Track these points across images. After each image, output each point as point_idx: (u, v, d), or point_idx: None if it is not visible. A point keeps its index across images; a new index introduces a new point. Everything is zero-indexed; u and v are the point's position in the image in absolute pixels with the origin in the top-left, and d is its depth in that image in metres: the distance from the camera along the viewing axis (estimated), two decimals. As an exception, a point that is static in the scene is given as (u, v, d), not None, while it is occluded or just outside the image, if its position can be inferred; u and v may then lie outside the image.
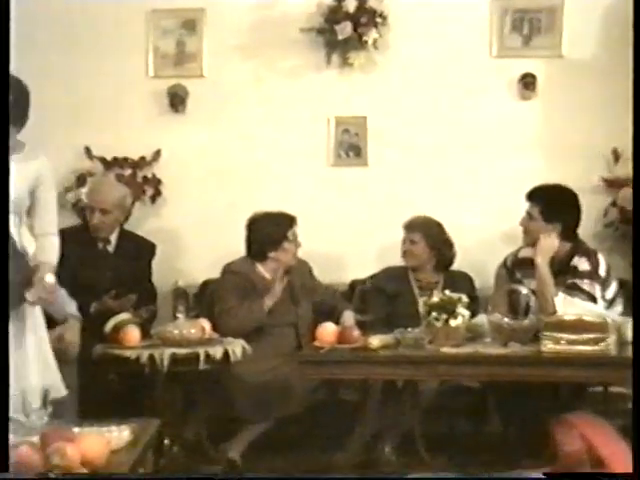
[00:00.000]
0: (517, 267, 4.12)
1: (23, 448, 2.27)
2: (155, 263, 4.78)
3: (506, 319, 3.67)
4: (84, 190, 4.82)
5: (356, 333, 3.79)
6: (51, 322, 3.71)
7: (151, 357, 3.66)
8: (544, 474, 2.23)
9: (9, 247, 2.63)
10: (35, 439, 2.42)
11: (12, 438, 2.51)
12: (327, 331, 3.81)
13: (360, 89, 5.00)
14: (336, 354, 3.71)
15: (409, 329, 3.80)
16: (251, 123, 5.05)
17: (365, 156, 5.04)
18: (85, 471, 2.33)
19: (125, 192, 4.67)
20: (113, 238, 4.61)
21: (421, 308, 3.83)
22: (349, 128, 5.06)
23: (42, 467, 2.26)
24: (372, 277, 4.65)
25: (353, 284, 4.79)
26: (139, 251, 4.68)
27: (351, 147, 5.05)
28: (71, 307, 4.18)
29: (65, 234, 4.53)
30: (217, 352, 3.74)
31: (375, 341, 3.70)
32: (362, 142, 5.04)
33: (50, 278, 3.26)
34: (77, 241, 4.53)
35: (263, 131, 5.05)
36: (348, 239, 4.97)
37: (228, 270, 4.37)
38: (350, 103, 5.03)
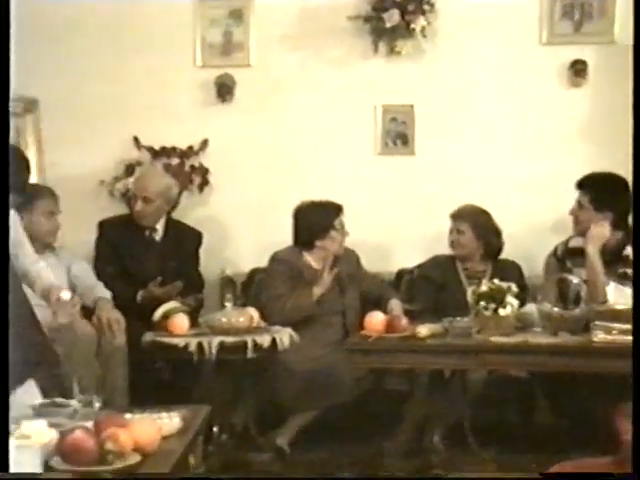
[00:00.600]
0: (567, 256, 4.08)
1: (78, 432, 2.31)
2: (202, 252, 4.81)
3: (556, 308, 3.64)
4: (131, 179, 4.87)
5: (404, 322, 3.79)
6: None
7: (199, 345, 3.69)
8: (541, 474, 2.21)
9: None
10: (89, 424, 2.46)
11: (67, 422, 2.57)
12: (375, 320, 3.82)
13: (407, 77, 4.98)
14: (384, 343, 3.71)
15: (457, 318, 3.79)
16: (298, 112, 5.05)
17: (412, 145, 5.01)
18: (138, 457, 2.36)
19: (170, 182, 4.70)
20: (160, 227, 4.65)
21: (469, 297, 3.80)
22: (396, 116, 5.04)
23: (96, 452, 2.29)
24: (419, 266, 4.63)
25: (400, 273, 4.78)
26: (186, 239, 4.71)
27: (398, 135, 5.03)
28: (98, 290, 4.25)
29: (113, 223, 4.64)
30: (265, 340, 3.76)
31: (423, 330, 3.70)
32: (409, 130, 5.01)
33: (66, 295, 3.29)
34: (124, 230, 4.60)
35: (310, 120, 5.04)
36: (395, 228, 4.95)
37: (276, 259, 4.38)
38: (397, 91, 5.00)
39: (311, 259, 4.39)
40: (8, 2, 2.60)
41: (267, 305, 4.20)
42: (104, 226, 4.64)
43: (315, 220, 4.38)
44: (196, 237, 4.76)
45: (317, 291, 4.24)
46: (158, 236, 4.66)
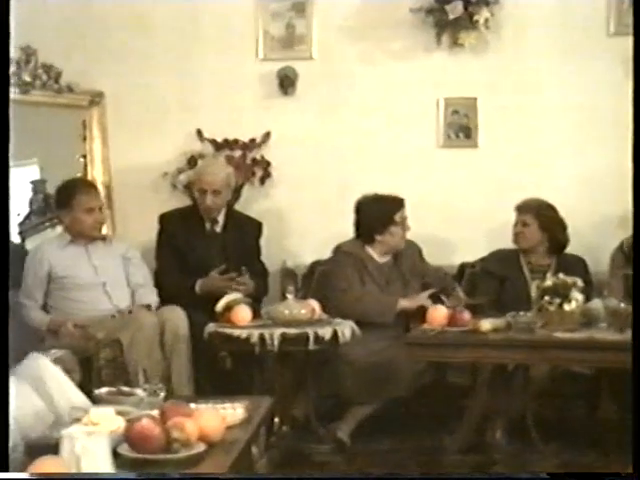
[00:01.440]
0: (635, 251, 4.00)
1: (145, 421, 2.33)
2: (263, 244, 4.84)
3: (623, 304, 3.57)
4: (193, 172, 4.89)
5: (467, 316, 3.76)
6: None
7: (262, 337, 3.70)
8: (548, 474, 2.16)
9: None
10: (155, 413, 2.49)
11: (133, 411, 2.60)
12: (437, 313, 3.79)
13: (470, 70, 4.93)
14: (446, 337, 3.69)
15: (520, 313, 3.74)
16: (360, 105, 5.04)
17: (475, 137, 4.97)
18: (203, 446, 2.38)
19: (230, 171, 4.72)
20: (220, 218, 4.67)
21: (533, 292, 3.75)
22: (459, 109, 5.00)
23: (163, 440, 2.31)
24: (482, 260, 4.59)
25: (462, 267, 4.74)
26: (246, 230, 4.73)
27: (461, 128, 4.99)
28: (143, 293, 4.32)
29: (173, 215, 4.68)
30: (326, 333, 3.75)
31: (486, 324, 3.66)
32: (472, 123, 4.97)
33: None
34: (185, 222, 4.63)
35: (372, 113, 5.03)
36: (458, 221, 4.92)
37: (340, 251, 4.38)
38: (460, 84, 4.96)
39: (373, 252, 4.38)
40: (8, 3, 2.62)
41: (334, 297, 4.20)
42: (165, 219, 4.67)
43: (375, 215, 4.37)
44: (256, 227, 4.77)
45: (403, 303, 4.24)
46: (219, 228, 4.68)
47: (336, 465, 3.83)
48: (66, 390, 3.01)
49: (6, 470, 2.01)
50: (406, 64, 4.99)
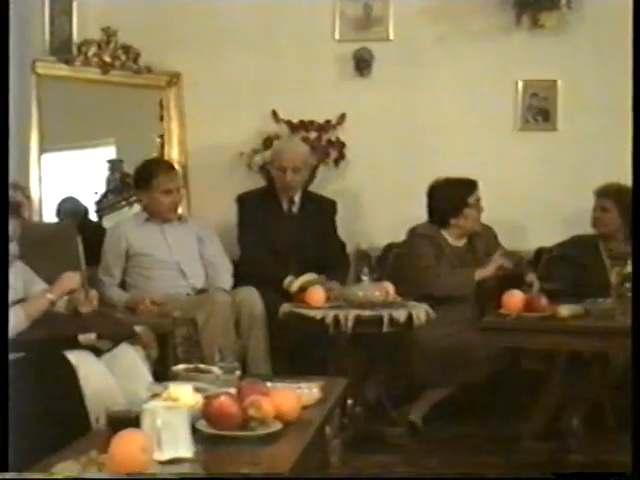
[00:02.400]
0: None
1: (223, 398, 2.35)
2: (338, 225, 4.83)
3: None
4: (271, 152, 4.89)
5: (544, 302, 3.69)
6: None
7: (336, 318, 3.70)
8: (553, 474, 2.11)
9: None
10: (232, 391, 2.51)
11: (209, 388, 2.62)
12: (514, 298, 3.74)
13: (551, 51, 4.84)
14: (523, 322, 3.63)
15: (599, 299, 3.67)
16: (436, 86, 4.99)
17: (554, 120, 4.88)
18: (279, 425, 2.39)
19: (308, 149, 4.74)
20: (297, 198, 4.68)
21: (613, 278, 3.68)
22: (537, 92, 4.91)
23: (240, 418, 2.33)
24: (560, 245, 4.51)
25: (539, 252, 4.67)
26: (322, 209, 4.74)
27: (540, 111, 4.91)
28: (220, 279, 4.35)
29: (251, 196, 4.70)
30: (401, 315, 3.73)
31: (564, 310, 3.60)
32: (551, 106, 4.88)
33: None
34: (263, 203, 4.65)
35: (448, 94, 4.97)
36: (534, 205, 4.85)
37: (416, 233, 4.35)
38: (539, 66, 4.87)
39: (448, 236, 4.34)
40: (8, 3, 2.64)
41: (412, 276, 4.17)
42: (244, 199, 4.69)
43: (449, 199, 4.32)
44: (331, 206, 4.77)
45: (482, 273, 4.19)
46: (296, 208, 4.69)
47: (408, 448, 3.82)
48: (141, 371, 3.09)
49: (6, 470, 2.04)
50: (484, 45, 4.92)
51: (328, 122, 5.03)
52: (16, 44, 4.16)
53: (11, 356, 2.87)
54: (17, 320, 2.99)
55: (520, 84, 4.90)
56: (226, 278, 4.40)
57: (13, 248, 3.15)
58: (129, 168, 5.13)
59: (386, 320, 3.69)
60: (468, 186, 4.33)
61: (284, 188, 4.60)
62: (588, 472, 2.01)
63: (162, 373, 3.21)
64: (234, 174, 5.09)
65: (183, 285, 4.32)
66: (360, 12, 5.03)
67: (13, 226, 3.14)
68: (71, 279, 3.21)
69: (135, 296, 4.20)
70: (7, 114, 2.53)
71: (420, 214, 4.47)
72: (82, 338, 3.01)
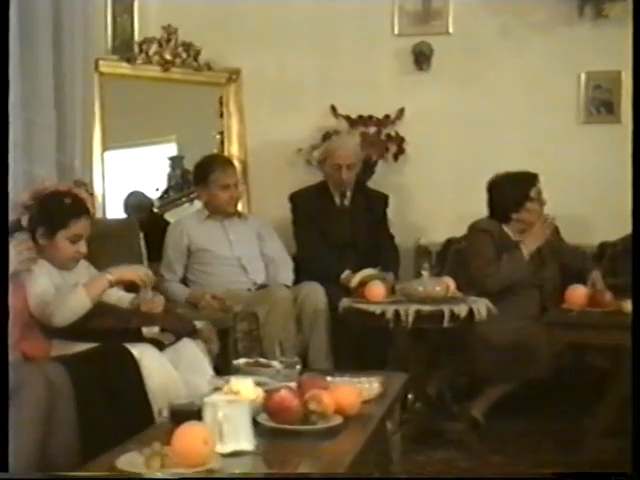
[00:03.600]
0: None
1: (284, 392, 2.36)
2: (396, 221, 4.81)
3: None
4: (325, 147, 4.88)
5: (608, 297, 3.63)
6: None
7: (396, 313, 3.67)
8: (553, 474, 2.05)
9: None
10: (293, 385, 2.51)
11: (270, 382, 2.63)
12: (577, 294, 3.69)
13: (615, 42, 4.72)
14: (587, 318, 3.58)
15: (667, 294, 3.58)
16: (497, 80, 4.94)
17: (618, 113, 4.79)
18: (340, 419, 2.39)
19: (358, 142, 4.74)
20: (349, 193, 4.68)
21: (680, 272, 3.58)
22: (601, 84, 4.83)
23: (301, 412, 2.33)
24: (624, 239, 4.42)
25: (602, 246, 4.59)
26: (374, 203, 4.74)
27: (603, 103, 4.82)
28: (282, 273, 4.37)
29: (304, 193, 4.71)
30: (462, 310, 3.69)
31: (629, 306, 3.52)
32: (615, 98, 4.79)
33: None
34: (317, 198, 4.66)
35: (509, 88, 4.92)
36: (597, 199, 4.77)
37: (476, 228, 4.30)
38: (603, 57, 4.78)
39: (509, 231, 4.29)
40: (8, 4, 2.65)
41: (477, 273, 4.12)
42: (296, 197, 4.71)
43: (509, 193, 4.26)
44: (383, 200, 4.77)
45: (529, 247, 4.12)
46: (348, 201, 4.69)
47: (470, 444, 3.78)
48: (202, 365, 3.12)
49: (6, 470, 2.05)
50: (546, 37, 4.85)
51: (387, 117, 5.02)
52: (80, 44, 4.24)
53: (76, 348, 2.93)
54: (80, 299, 3.06)
55: (583, 76, 4.83)
56: (287, 274, 4.42)
57: (82, 246, 3.20)
58: (190, 165, 5.17)
59: (447, 315, 3.65)
60: (529, 179, 4.27)
61: (338, 184, 4.61)
62: (588, 472, 1.97)
63: (223, 367, 3.24)
64: (293, 170, 5.11)
65: (244, 280, 4.34)
66: (419, 6, 5.00)
67: (83, 225, 3.19)
68: (133, 268, 3.26)
69: (196, 291, 4.24)
70: (7, 114, 2.56)
71: (480, 209, 4.42)
72: (145, 331, 3.05)
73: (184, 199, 5.27)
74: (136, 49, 4.87)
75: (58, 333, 3.04)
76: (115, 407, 2.72)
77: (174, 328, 3.17)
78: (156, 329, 3.07)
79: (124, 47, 4.87)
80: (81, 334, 3.01)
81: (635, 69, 2.96)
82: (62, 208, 3.18)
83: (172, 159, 5.33)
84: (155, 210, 5.16)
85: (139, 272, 3.24)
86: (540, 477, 3.19)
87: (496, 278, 4.07)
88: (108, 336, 2.97)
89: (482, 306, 3.75)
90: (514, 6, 4.86)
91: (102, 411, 2.68)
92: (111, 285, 3.17)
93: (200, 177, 4.44)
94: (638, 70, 2.90)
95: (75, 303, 3.05)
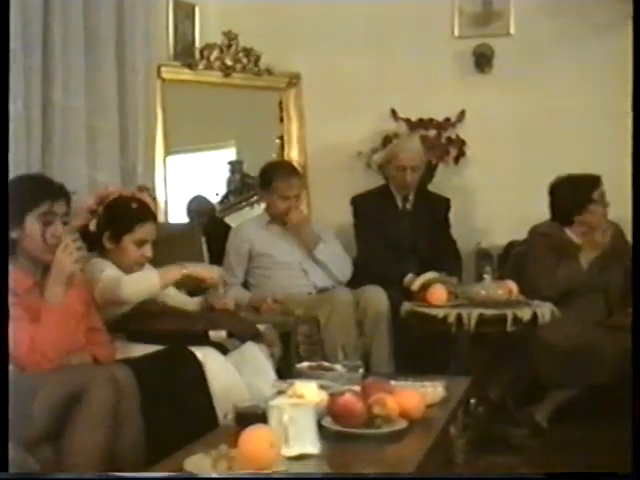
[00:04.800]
0: None
1: (348, 395, 2.36)
2: (457, 224, 4.78)
3: None
4: (387, 150, 4.86)
5: (676, 300, 3.55)
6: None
7: (459, 317, 3.65)
8: (545, 474, 1.99)
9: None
10: (356, 389, 2.51)
11: (333, 386, 2.63)
12: (644, 297, 3.60)
13: (680, 41, 4.65)
14: (654, 322, 3.50)
15: None
16: (559, 82, 4.87)
17: (683, 114, 4.68)
18: (404, 423, 2.38)
19: (422, 147, 4.72)
20: (411, 196, 4.66)
21: None
22: (666, 85, 4.72)
23: (365, 416, 2.33)
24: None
25: (670, 249, 4.49)
26: (435, 206, 4.72)
27: (667, 106, 4.72)
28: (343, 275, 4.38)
29: (365, 197, 4.70)
30: (525, 314, 3.66)
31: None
32: (679, 100, 4.69)
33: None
34: (378, 202, 4.65)
35: (571, 90, 4.85)
36: (663, 200, 4.66)
37: (537, 232, 4.26)
38: (669, 57, 4.68)
39: (572, 234, 4.23)
40: (8, 4, 2.67)
41: (535, 277, 4.08)
42: (357, 201, 4.71)
43: (572, 196, 4.21)
44: (444, 203, 4.75)
45: (588, 256, 4.08)
46: (410, 204, 4.67)
47: (533, 450, 3.73)
48: (265, 368, 3.13)
49: (6, 470, 2.06)
50: (609, 38, 4.75)
51: (447, 120, 4.99)
52: (142, 50, 4.30)
53: (141, 350, 2.96)
54: (151, 279, 3.13)
55: (643, 78, 4.73)
56: (344, 270, 4.44)
57: (148, 250, 3.24)
58: (249, 169, 5.21)
59: (510, 319, 3.63)
60: (591, 182, 4.21)
61: (402, 187, 4.59)
62: (588, 472, 1.94)
63: (285, 371, 3.25)
64: (353, 174, 5.09)
65: (304, 284, 4.35)
66: (479, 7, 4.97)
67: (148, 229, 3.24)
68: (207, 267, 3.29)
69: (257, 295, 4.26)
70: (7, 114, 2.59)
71: (542, 211, 4.37)
72: (213, 335, 3.07)
73: (244, 203, 5.30)
74: (197, 55, 4.91)
75: (125, 334, 3.08)
76: (179, 409, 2.74)
77: (240, 331, 3.19)
78: (223, 334, 3.08)
79: (185, 53, 4.92)
80: (147, 336, 3.04)
81: (635, 69, 2.92)
82: (128, 213, 3.23)
83: (232, 164, 5.36)
84: (216, 214, 5.20)
85: (212, 271, 3.27)
86: (540, 477, 3.15)
87: (551, 285, 4.03)
88: (173, 339, 3.00)
89: (546, 310, 3.72)
90: (576, 7, 4.78)
91: (167, 413, 2.71)
92: (183, 278, 3.17)
93: (264, 182, 4.46)
94: (638, 70, 2.86)
95: (145, 281, 3.12)
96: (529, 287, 3.95)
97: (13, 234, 2.75)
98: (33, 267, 2.84)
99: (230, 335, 3.11)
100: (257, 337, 3.27)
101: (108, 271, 3.11)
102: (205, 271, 3.26)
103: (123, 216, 3.24)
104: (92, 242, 3.15)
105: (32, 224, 2.79)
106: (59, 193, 2.87)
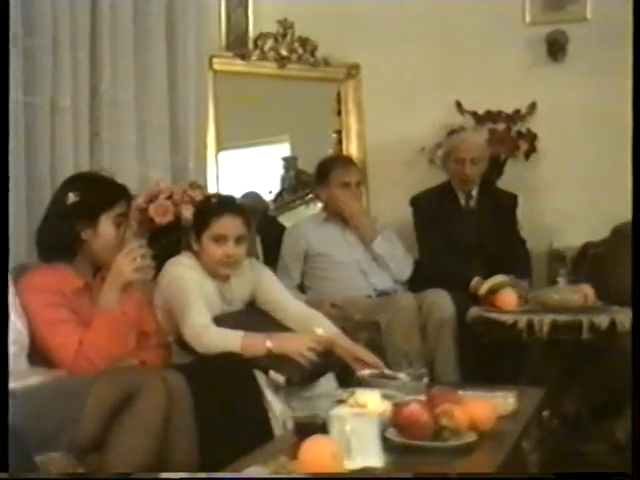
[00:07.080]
0: None
1: (414, 406, 2.35)
2: (528, 223, 4.73)
3: None
4: (446, 142, 4.83)
5: None
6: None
7: (530, 323, 3.61)
8: (554, 474, 2.15)
9: None
10: (422, 399, 2.50)
11: (396, 395, 2.62)
12: None
13: None
14: None
15: None
16: (638, 70, 4.78)
17: None
18: (474, 435, 2.36)
19: (484, 141, 4.71)
20: (474, 192, 4.62)
21: None
22: None
23: (431, 427, 2.32)
24: None
25: None
26: (501, 203, 4.66)
27: None
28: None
29: (425, 196, 4.68)
30: (602, 321, 3.60)
31: None
32: None
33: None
34: (439, 200, 4.62)
35: (653, 78, 4.77)
36: None
37: (618, 233, 4.19)
38: None
39: (658, 236, 4.16)
40: (7, 4, 2.68)
41: (614, 282, 4.02)
42: (417, 200, 4.67)
43: None
44: (511, 200, 4.69)
45: None
46: (473, 202, 4.63)
47: (614, 467, 3.67)
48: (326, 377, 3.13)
49: (6, 470, 2.07)
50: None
51: (517, 112, 4.96)
52: (193, 41, 4.33)
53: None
54: (232, 341, 3.04)
55: None
56: (406, 272, 4.44)
57: (230, 248, 3.24)
58: (304, 166, 5.21)
59: (586, 326, 3.57)
60: None
61: (462, 181, 4.55)
62: (588, 472, 1.90)
63: (345, 378, 3.24)
64: (415, 170, 5.07)
65: (364, 286, 4.34)
66: (554, -10, 4.92)
67: (225, 223, 3.25)
68: (296, 342, 3.16)
69: (313, 299, 4.26)
70: (7, 112, 2.62)
71: (619, 210, 4.30)
72: (272, 374, 3.03)
73: (298, 202, 5.30)
74: (251, 45, 4.94)
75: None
76: (233, 417, 2.76)
77: (298, 381, 3.09)
78: (282, 380, 3.01)
79: (238, 43, 4.94)
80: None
81: (635, 69, 2.87)
82: (203, 207, 3.27)
83: (286, 160, 5.37)
84: (269, 213, 5.22)
85: (301, 348, 3.09)
86: (540, 477, 3.10)
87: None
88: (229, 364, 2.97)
89: (625, 317, 3.65)
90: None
91: (220, 421, 2.72)
92: (267, 352, 3.09)
93: (321, 175, 4.46)
94: (638, 70, 2.81)
95: (226, 342, 3.02)
96: (607, 292, 3.89)
97: (83, 235, 2.83)
98: (88, 268, 2.88)
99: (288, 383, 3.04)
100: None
101: (185, 278, 3.15)
102: (293, 350, 3.09)
103: (199, 212, 3.28)
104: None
105: (107, 225, 2.86)
106: (129, 194, 2.95)
